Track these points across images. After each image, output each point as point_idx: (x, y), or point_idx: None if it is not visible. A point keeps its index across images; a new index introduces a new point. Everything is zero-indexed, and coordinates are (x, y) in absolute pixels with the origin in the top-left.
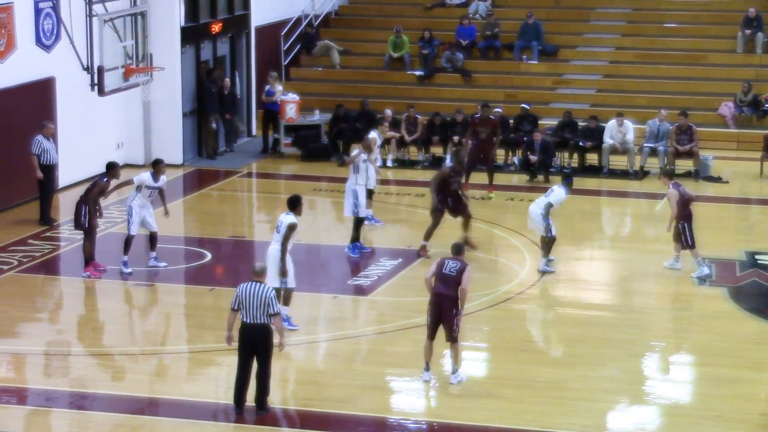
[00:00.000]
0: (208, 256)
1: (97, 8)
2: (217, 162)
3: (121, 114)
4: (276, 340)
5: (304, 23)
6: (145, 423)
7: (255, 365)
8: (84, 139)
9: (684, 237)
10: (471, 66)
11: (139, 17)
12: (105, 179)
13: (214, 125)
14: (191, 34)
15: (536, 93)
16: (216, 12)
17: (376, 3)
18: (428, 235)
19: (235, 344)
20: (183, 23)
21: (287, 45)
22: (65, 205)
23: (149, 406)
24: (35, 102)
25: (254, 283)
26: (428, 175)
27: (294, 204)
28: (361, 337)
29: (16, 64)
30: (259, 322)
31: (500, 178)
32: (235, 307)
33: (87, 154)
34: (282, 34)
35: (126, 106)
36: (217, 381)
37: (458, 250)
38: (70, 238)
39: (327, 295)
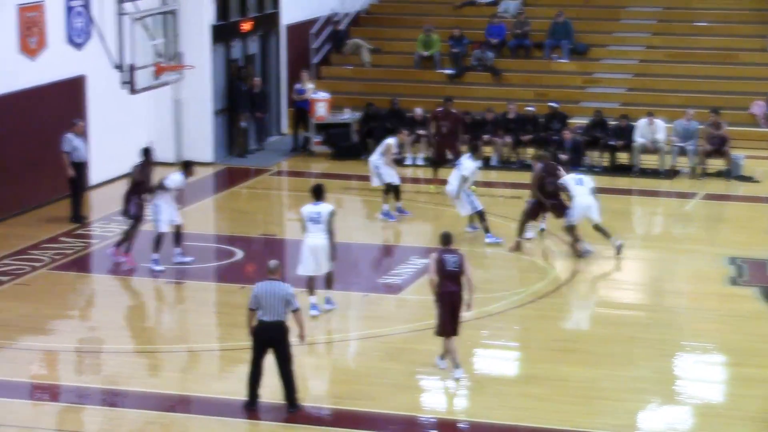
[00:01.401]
0: (239, 254)
1: (128, 6)
2: (248, 160)
3: (151, 112)
4: (294, 335)
5: (335, 22)
6: (176, 420)
7: (270, 365)
8: (115, 137)
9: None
10: (501, 65)
11: (169, 15)
12: (142, 163)
13: (243, 124)
14: (221, 33)
15: (566, 92)
16: (246, 10)
17: (406, 2)
18: (519, 230)
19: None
20: (213, 21)
21: (317, 43)
22: (96, 202)
23: (180, 404)
24: (66, 100)
25: (271, 281)
26: None
27: (322, 192)
28: (392, 335)
29: (48, 63)
30: (278, 319)
31: (530, 177)
32: (253, 307)
33: (118, 152)
34: (312, 32)
35: (156, 105)
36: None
37: (448, 239)
38: (101, 235)
39: (357, 294)
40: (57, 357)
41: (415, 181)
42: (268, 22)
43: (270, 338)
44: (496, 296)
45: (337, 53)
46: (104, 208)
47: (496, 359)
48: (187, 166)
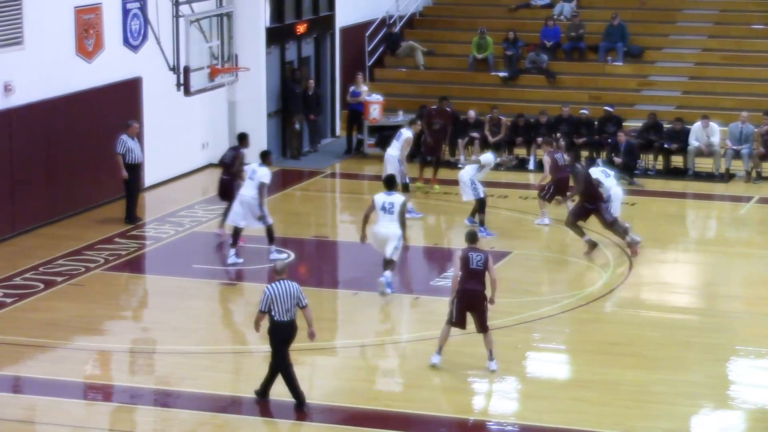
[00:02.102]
0: (292, 256)
1: (184, 9)
2: (301, 162)
3: (206, 114)
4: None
5: (389, 24)
6: (228, 421)
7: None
8: (169, 138)
9: (545, 191)
10: (555, 67)
11: (224, 18)
12: (240, 149)
13: (297, 126)
14: (276, 35)
15: (621, 94)
16: (301, 13)
17: (460, 4)
18: (581, 234)
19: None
20: (268, 24)
21: (371, 46)
22: (151, 203)
23: (232, 405)
24: (122, 102)
25: (281, 281)
26: (511, 177)
27: (395, 183)
28: None
29: (104, 64)
30: (293, 318)
31: None
32: (264, 309)
33: (172, 153)
34: (366, 35)
35: (211, 107)
36: (300, 380)
37: (473, 237)
38: (155, 236)
39: (409, 296)
40: (110, 357)
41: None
42: (322, 24)
43: (285, 336)
44: (548, 299)
45: (391, 55)
46: (158, 210)
47: (547, 362)
48: (266, 156)
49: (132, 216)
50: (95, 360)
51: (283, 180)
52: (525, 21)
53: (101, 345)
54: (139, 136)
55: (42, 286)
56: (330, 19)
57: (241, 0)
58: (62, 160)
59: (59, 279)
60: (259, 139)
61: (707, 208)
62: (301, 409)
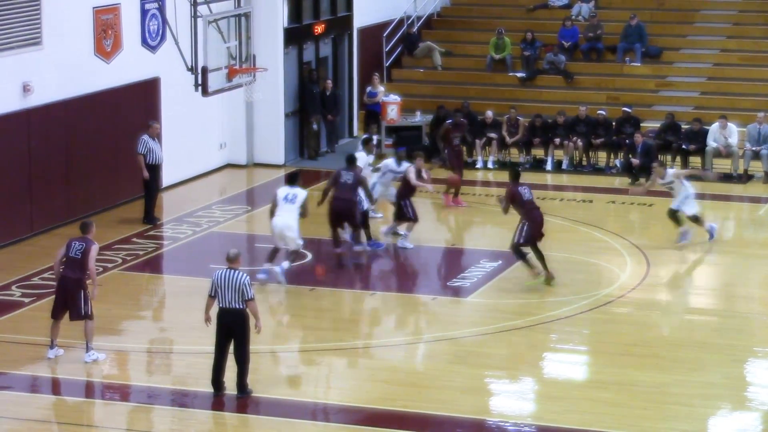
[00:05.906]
0: (309, 256)
1: (202, 9)
2: (319, 162)
3: (224, 114)
4: (253, 322)
5: (407, 24)
6: (245, 421)
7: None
8: (187, 139)
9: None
10: (573, 68)
11: (242, 18)
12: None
13: (315, 126)
14: (294, 35)
15: (639, 95)
16: (319, 13)
17: (478, 4)
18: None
19: (213, 326)
20: (286, 24)
21: (389, 46)
22: (169, 204)
23: (250, 405)
24: (141, 102)
25: (229, 270)
26: (529, 178)
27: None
28: (460, 338)
29: (123, 65)
30: (234, 307)
31: (602, 181)
32: (213, 294)
33: (190, 153)
34: (384, 35)
35: (229, 107)
36: (317, 380)
37: (85, 228)
38: (173, 236)
39: (426, 297)
40: (127, 357)
41: (486, 184)
42: (340, 24)
43: (227, 324)
44: (565, 300)
45: (408, 56)
46: (176, 210)
47: (565, 363)
48: (366, 143)
49: (150, 216)
50: (112, 360)
51: (301, 180)
52: (543, 21)
53: (118, 345)
54: (158, 137)
55: None
56: (348, 20)
57: (259, 0)
58: (80, 160)
59: None
60: (277, 139)
61: (725, 209)
62: (217, 396)
